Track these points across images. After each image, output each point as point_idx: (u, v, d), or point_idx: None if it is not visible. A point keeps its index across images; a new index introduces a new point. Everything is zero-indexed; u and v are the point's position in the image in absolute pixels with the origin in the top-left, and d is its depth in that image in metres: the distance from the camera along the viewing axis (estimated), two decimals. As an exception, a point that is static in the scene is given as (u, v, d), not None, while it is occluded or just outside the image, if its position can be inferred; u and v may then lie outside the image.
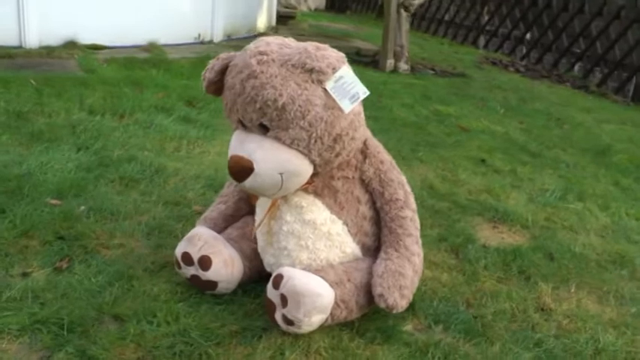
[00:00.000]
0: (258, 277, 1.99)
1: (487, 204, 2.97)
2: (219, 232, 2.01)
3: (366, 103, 1.74)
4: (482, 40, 9.02)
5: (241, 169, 1.65)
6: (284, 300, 1.70)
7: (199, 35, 5.85)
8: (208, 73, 1.75)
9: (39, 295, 1.85)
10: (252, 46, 1.67)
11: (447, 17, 9.75)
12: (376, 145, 1.87)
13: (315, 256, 1.83)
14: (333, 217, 1.82)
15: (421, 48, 7.77)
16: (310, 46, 1.61)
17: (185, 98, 4.02)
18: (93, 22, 4.88)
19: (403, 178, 1.90)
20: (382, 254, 1.86)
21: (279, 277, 1.72)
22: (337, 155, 1.71)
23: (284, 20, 8.25)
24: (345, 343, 1.78)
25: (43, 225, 2.24)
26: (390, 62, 6.16)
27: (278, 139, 1.64)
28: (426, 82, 5.75)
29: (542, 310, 2.14)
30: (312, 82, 1.59)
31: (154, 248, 2.21)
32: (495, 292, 2.19)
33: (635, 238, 2.87)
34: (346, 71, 1.60)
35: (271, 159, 1.64)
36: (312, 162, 1.69)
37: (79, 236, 2.21)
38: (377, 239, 1.92)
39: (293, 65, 1.59)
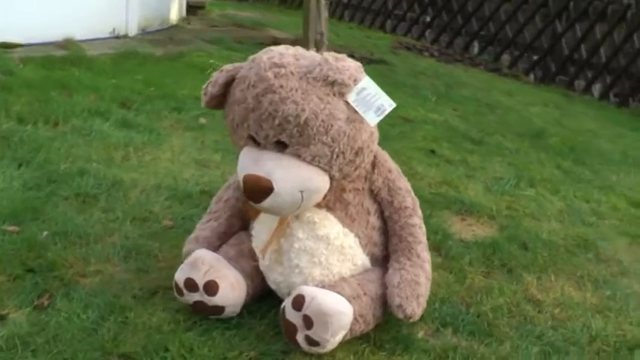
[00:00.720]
0: (259, 296, 1.90)
1: (450, 197, 3.01)
2: (215, 251, 1.90)
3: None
4: (389, 24, 9.13)
5: (259, 190, 1.55)
6: (308, 321, 1.63)
7: (114, 29, 5.51)
8: (211, 87, 1.62)
9: (27, 340, 1.65)
10: (263, 57, 1.57)
11: (353, 1, 9.77)
12: (383, 154, 1.84)
13: (328, 272, 1.77)
14: (345, 230, 1.77)
15: (336, 34, 7.75)
16: (330, 56, 1.54)
17: (118, 100, 3.77)
18: (3, 18, 4.44)
19: (409, 185, 1.88)
20: (395, 264, 1.82)
21: (301, 297, 1.64)
22: (356, 169, 1.65)
23: (194, 10, 7.94)
24: (369, 357, 1.74)
25: (7, 257, 2.02)
26: (311, 51, 6.11)
27: (298, 156, 1.55)
28: (352, 71, 5.74)
29: (533, 302, 2.20)
30: (334, 95, 1.52)
31: (136, 272, 2.05)
32: (487, 289, 2.22)
33: (589, 220, 3.02)
34: (368, 82, 1.54)
35: (292, 178, 1.55)
36: (332, 177, 1.62)
37: (52, 266, 2.00)
38: (385, 248, 1.88)
39: (314, 78, 1.51)
